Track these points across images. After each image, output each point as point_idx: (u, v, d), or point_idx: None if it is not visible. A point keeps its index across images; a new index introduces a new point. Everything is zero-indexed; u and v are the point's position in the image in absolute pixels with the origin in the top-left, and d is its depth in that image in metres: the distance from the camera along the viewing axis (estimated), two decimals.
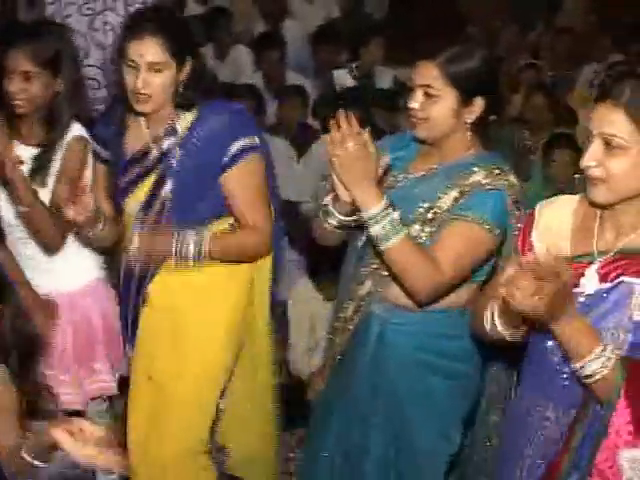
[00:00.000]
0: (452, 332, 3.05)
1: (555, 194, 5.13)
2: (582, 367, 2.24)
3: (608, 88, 2.27)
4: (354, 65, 7.03)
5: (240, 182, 3.21)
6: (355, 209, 2.87)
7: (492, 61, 3.11)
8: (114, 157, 3.31)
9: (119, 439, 3.42)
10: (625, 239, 2.35)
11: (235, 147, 3.16)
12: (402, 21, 9.51)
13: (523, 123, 6.49)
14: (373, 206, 2.77)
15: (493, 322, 2.49)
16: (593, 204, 2.38)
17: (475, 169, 2.94)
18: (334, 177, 2.82)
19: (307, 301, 4.57)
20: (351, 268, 3.20)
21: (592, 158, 2.27)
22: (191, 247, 3.14)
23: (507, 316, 2.41)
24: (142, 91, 3.07)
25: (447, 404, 3.11)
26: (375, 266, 3.06)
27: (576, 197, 2.51)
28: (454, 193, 2.94)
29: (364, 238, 3.04)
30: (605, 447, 2.23)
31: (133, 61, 3.06)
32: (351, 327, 3.16)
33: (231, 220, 3.30)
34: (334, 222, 3.02)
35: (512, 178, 2.96)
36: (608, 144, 2.25)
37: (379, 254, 2.91)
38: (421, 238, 2.95)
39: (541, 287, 2.11)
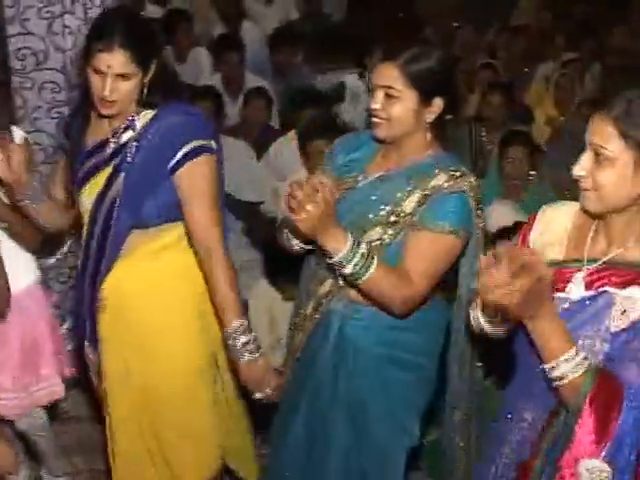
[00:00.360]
0: (409, 325, 3.08)
1: (509, 191, 5.32)
2: (552, 368, 2.25)
3: (604, 101, 2.31)
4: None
5: (190, 182, 3.18)
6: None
7: (449, 61, 3.16)
8: (75, 150, 3.32)
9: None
10: (615, 250, 2.36)
11: (187, 147, 3.15)
12: (361, 22, 9.54)
13: (480, 121, 6.57)
14: (340, 250, 2.80)
15: (476, 316, 2.56)
16: (585, 212, 2.40)
17: (436, 171, 2.97)
18: (296, 230, 2.85)
19: (266, 300, 4.56)
20: (311, 268, 3.24)
21: (581, 168, 2.30)
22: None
23: (487, 310, 2.47)
24: (109, 98, 3.08)
25: (405, 396, 3.15)
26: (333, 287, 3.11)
27: (576, 203, 2.50)
28: (416, 196, 2.97)
29: None
30: (568, 454, 2.25)
31: (100, 70, 3.06)
32: (311, 325, 3.19)
33: (181, 227, 3.29)
34: (298, 249, 3.12)
35: (472, 179, 2.99)
36: (597, 155, 2.27)
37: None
38: (384, 240, 2.99)
39: (512, 280, 2.13)
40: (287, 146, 5.63)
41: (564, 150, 6.17)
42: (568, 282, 2.39)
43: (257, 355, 3.15)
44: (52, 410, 3.92)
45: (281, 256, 3.35)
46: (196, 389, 3.37)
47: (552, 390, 2.33)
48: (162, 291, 3.31)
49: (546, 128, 7.11)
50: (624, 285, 2.32)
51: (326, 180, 2.85)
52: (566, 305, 2.37)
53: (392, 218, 2.98)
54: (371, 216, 3.01)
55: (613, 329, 2.29)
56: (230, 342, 3.15)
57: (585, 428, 2.20)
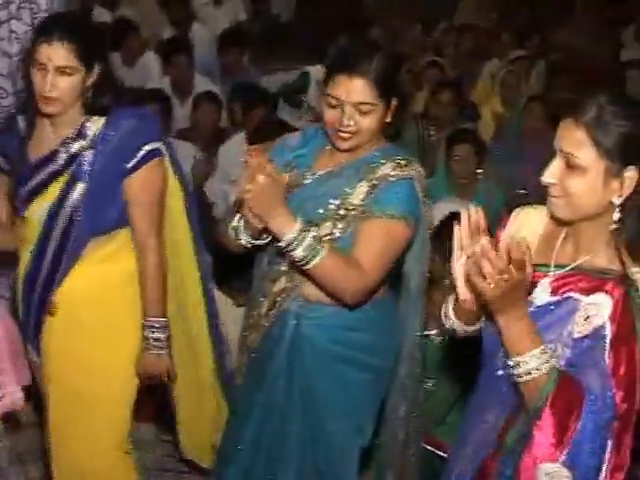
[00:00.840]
0: (363, 326, 3.10)
1: (457, 190, 5.35)
2: (518, 363, 2.19)
3: (574, 105, 2.23)
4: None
5: (141, 187, 3.19)
6: (265, 230, 2.90)
7: (401, 61, 3.17)
8: (17, 166, 3.29)
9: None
10: (583, 256, 2.32)
11: (143, 150, 3.16)
12: (309, 22, 9.58)
13: (428, 119, 6.59)
14: (289, 232, 2.78)
15: (448, 314, 2.56)
16: (553, 218, 2.37)
17: (382, 161, 2.98)
18: (246, 209, 2.82)
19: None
20: (264, 266, 3.23)
21: (551, 176, 2.25)
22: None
23: (460, 311, 2.47)
24: (49, 94, 3.06)
25: (360, 396, 3.15)
26: (287, 265, 3.09)
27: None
28: (364, 187, 2.98)
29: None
30: (527, 456, 2.22)
31: (42, 64, 3.05)
32: (266, 324, 3.19)
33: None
34: (245, 243, 3.05)
35: (418, 166, 3.02)
36: (568, 162, 2.22)
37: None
38: (334, 234, 2.99)
39: (507, 269, 2.10)
40: (236, 147, 5.61)
41: (508, 146, 6.25)
42: (534, 287, 2.35)
43: (163, 352, 3.31)
44: (6, 418, 3.90)
45: (232, 261, 3.35)
46: (120, 393, 3.39)
47: (514, 392, 2.30)
48: (113, 294, 3.31)
49: (493, 125, 7.17)
50: (589, 292, 2.28)
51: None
52: (531, 309, 2.30)
53: (341, 212, 2.98)
54: (321, 211, 3.01)
55: (575, 335, 2.25)
56: (145, 332, 3.28)
57: (544, 430, 2.17)
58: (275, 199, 2.76)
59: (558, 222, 2.37)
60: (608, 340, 2.19)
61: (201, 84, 6.87)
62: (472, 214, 2.32)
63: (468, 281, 2.27)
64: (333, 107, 2.93)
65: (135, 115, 3.23)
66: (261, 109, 5.75)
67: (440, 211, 4.56)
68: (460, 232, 2.30)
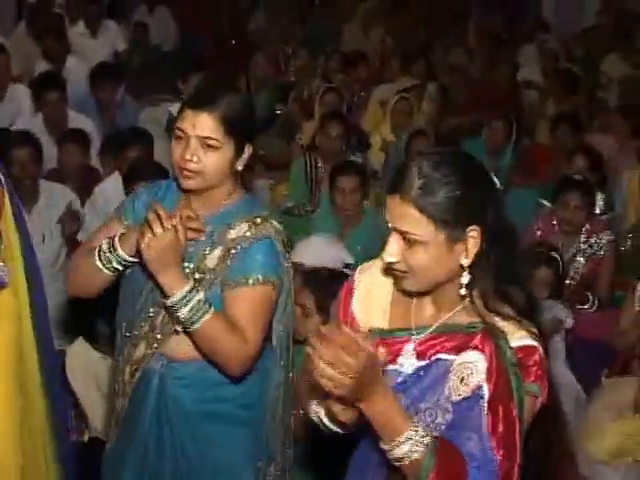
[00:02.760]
0: (233, 379, 2.98)
1: (340, 221, 5.21)
2: (392, 449, 2.10)
3: (396, 181, 2.14)
4: None
5: None
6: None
7: (253, 105, 3.08)
8: None
9: None
10: (443, 316, 2.25)
11: None
12: (191, 51, 9.38)
13: (316, 151, 6.41)
14: (179, 291, 2.74)
15: (316, 411, 2.41)
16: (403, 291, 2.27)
17: (236, 222, 2.89)
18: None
19: (85, 359, 4.37)
20: (123, 329, 3.08)
21: (392, 255, 2.17)
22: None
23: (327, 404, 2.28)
24: None
25: (235, 452, 3.05)
26: (147, 328, 2.98)
27: None
28: (218, 251, 2.89)
29: (139, 303, 2.96)
30: None
31: None
32: (130, 389, 3.06)
33: None
34: (117, 265, 2.90)
35: (275, 223, 2.94)
36: (406, 238, 2.13)
37: (149, 318, 2.92)
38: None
39: (342, 363, 1.99)
40: (112, 188, 5.39)
41: None
42: (398, 354, 2.26)
43: None
44: None
45: (98, 309, 3.24)
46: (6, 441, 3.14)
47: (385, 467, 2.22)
48: None
49: (382, 154, 7.02)
50: (458, 350, 2.19)
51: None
52: (400, 379, 2.25)
53: (197, 275, 2.88)
54: None
55: (454, 398, 2.17)
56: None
57: None
58: (173, 256, 2.74)
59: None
60: (486, 400, 2.13)
61: (76, 121, 6.57)
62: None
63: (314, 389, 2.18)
64: (179, 140, 2.84)
65: None
66: (135, 150, 5.43)
67: (314, 248, 4.52)
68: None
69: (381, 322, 2.33)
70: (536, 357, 2.19)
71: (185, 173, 2.83)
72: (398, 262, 2.16)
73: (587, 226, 5.30)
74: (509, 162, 7.17)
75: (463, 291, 2.19)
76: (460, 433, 2.13)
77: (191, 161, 2.81)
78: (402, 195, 2.11)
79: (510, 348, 2.16)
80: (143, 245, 2.71)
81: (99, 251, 2.90)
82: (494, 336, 2.17)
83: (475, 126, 7.38)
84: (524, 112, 8.15)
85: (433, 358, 2.23)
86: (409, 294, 2.29)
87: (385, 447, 2.11)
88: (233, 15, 10.72)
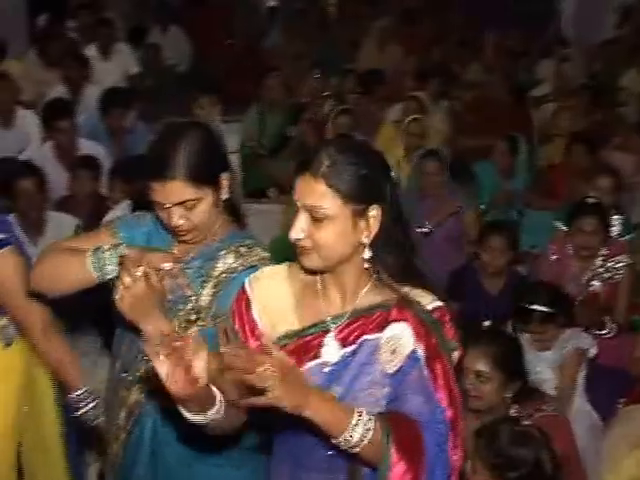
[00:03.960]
0: None
1: None
2: (347, 439, 2.22)
3: (307, 159, 2.31)
4: None
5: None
6: None
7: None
8: None
9: None
10: (354, 300, 2.39)
11: None
12: (206, 72, 9.34)
13: None
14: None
15: None
16: (307, 270, 2.39)
17: (221, 254, 2.87)
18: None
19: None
20: (116, 373, 3.05)
21: (299, 231, 2.31)
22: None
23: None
24: None
25: None
26: (141, 372, 2.92)
27: (283, 266, 2.52)
28: (209, 288, 2.86)
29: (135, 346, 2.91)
30: None
31: None
32: (125, 434, 3.01)
33: None
34: (108, 270, 2.81)
35: (259, 250, 2.90)
36: (314, 215, 2.28)
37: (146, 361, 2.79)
38: None
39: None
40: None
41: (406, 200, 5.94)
42: (319, 347, 2.38)
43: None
44: None
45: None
46: None
47: (341, 456, 2.31)
48: None
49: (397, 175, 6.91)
50: (380, 328, 2.35)
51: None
52: (327, 369, 2.36)
53: (193, 317, 2.85)
54: (176, 311, 2.86)
55: (389, 371, 2.32)
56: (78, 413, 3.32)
57: (398, 474, 2.23)
58: (146, 303, 2.67)
59: (311, 273, 2.41)
60: (422, 360, 2.30)
61: (86, 148, 6.52)
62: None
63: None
64: (162, 208, 2.80)
65: None
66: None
67: None
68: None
69: (290, 325, 2.42)
70: (447, 316, 2.39)
71: (180, 233, 2.83)
72: (304, 239, 2.30)
73: (604, 250, 5.19)
74: (524, 183, 7.07)
75: (366, 265, 2.34)
76: (403, 399, 2.29)
77: (180, 224, 2.78)
78: (312, 172, 2.26)
79: (426, 311, 2.34)
80: (117, 297, 2.66)
81: (96, 249, 2.82)
82: (408, 304, 2.34)
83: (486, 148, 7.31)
84: (534, 130, 8.04)
85: (358, 341, 2.35)
86: (311, 289, 2.42)
87: (339, 440, 2.21)
88: (247, 35, 10.67)
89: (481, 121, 8.08)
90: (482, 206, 6.68)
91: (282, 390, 2.12)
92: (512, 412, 3.51)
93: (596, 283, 5.18)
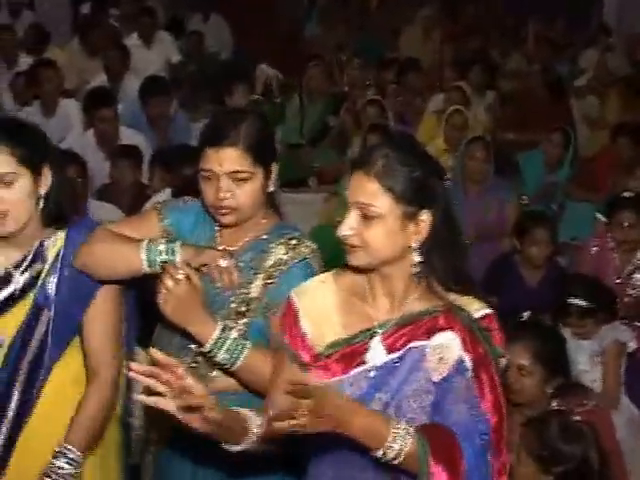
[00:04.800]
0: None
1: None
2: (385, 452, 2.22)
3: (361, 157, 2.34)
4: None
5: (100, 313, 2.93)
6: None
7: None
8: None
9: None
10: (402, 306, 2.38)
11: None
12: (249, 59, 9.34)
13: None
14: (210, 337, 2.71)
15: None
16: (354, 268, 2.39)
17: (271, 246, 2.85)
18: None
19: None
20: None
21: (349, 228, 2.31)
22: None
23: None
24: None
25: None
26: (195, 364, 2.88)
27: (328, 275, 2.51)
28: (260, 279, 2.83)
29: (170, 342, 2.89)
30: None
31: None
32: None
33: None
34: (160, 262, 2.78)
35: (308, 242, 2.88)
36: (364, 213, 2.29)
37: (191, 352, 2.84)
38: (240, 330, 2.81)
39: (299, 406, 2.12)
40: None
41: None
42: (365, 352, 2.37)
43: None
44: None
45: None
46: None
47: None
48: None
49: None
50: (427, 335, 2.34)
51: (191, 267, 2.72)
52: (372, 373, 2.35)
53: (243, 308, 2.84)
54: (217, 308, 2.84)
55: (435, 379, 2.32)
56: (53, 460, 2.85)
57: None
58: (190, 305, 2.69)
59: (358, 271, 2.40)
60: (469, 370, 2.31)
61: (127, 137, 6.52)
62: None
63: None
64: (208, 181, 2.80)
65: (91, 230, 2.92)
66: (190, 168, 5.36)
67: None
68: None
69: (338, 333, 2.40)
70: (495, 323, 2.39)
71: (222, 211, 2.81)
72: (353, 236, 2.30)
73: None
74: (567, 174, 7.01)
75: (415, 269, 2.34)
76: (447, 407, 2.29)
77: (226, 199, 2.77)
78: (366, 170, 2.28)
79: (473, 319, 2.35)
80: (160, 301, 2.68)
81: (150, 242, 2.80)
82: (456, 312, 2.35)
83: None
84: (574, 122, 7.97)
85: (404, 348, 2.34)
86: (357, 296, 2.42)
87: (379, 454, 2.22)
88: (288, 24, 10.67)
89: (519, 114, 8.04)
90: (524, 197, 6.62)
91: (317, 424, 2.15)
92: (553, 406, 3.49)
93: (638, 276, 5.15)
